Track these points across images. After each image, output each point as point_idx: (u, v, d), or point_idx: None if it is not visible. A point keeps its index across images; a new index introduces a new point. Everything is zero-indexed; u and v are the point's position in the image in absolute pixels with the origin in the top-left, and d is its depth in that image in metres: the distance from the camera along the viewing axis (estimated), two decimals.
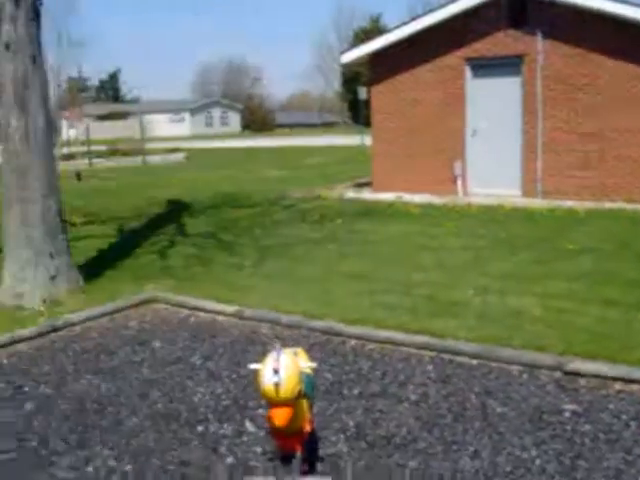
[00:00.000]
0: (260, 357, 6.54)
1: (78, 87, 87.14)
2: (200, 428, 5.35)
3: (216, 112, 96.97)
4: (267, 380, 3.96)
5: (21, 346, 7.36)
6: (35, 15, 8.99)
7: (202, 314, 8.22)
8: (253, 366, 4.20)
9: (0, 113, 8.92)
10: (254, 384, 5.10)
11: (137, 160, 34.68)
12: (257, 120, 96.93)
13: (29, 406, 5.91)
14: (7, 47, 8.67)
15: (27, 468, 4.87)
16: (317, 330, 7.41)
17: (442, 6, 17.26)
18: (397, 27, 18.08)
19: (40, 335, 7.59)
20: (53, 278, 8.92)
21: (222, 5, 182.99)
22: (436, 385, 6.01)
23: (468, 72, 17.05)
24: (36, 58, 8.91)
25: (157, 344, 7.31)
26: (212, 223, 14.38)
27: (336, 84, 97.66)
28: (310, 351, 6.04)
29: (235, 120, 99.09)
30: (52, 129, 9.34)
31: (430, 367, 6.42)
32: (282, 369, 3.96)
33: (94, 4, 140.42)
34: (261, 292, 8.94)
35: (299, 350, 4.63)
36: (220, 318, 8.05)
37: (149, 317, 8.26)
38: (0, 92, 8.85)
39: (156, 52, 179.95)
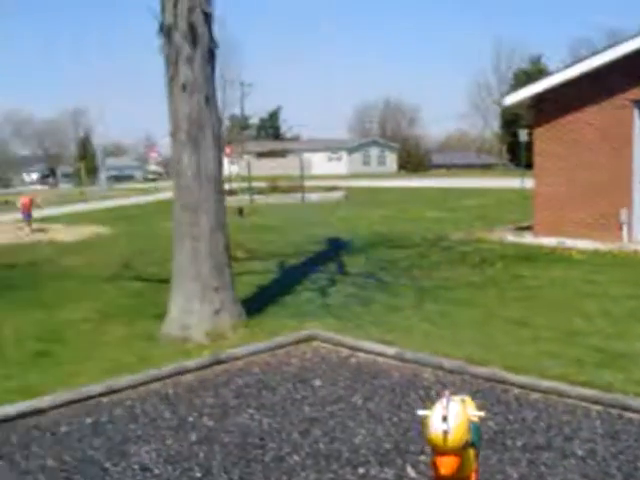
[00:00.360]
0: (422, 401, 6.53)
1: (240, 125, 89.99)
2: (361, 470, 5.32)
3: (373, 151, 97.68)
4: (435, 427, 3.88)
5: (186, 377, 7.56)
6: (210, 57, 9.33)
7: (362, 354, 8.20)
8: (421, 412, 4.13)
9: (174, 150, 9.29)
10: (418, 429, 5.04)
11: (296, 197, 35.28)
12: (413, 160, 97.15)
13: (193, 437, 6.04)
14: (184, 88, 9.03)
15: None
16: (480, 377, 7.25)
17: (609, 47, 16.77)
18: (560, 69, 17.72)
19: (204, 367, 7.78)
20: (218, 312, 9.15)
21: (382, 44, 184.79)
22: (604, 441, 5.74)
23: (636, 115, 16.45)
24: (209, 99, 9.23)
25: (318, 382, 7.33)
26: (371, 262, 14.41)
27: (495, 124, 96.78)
28: (473, 398, 5.90)
29: (392, 159, 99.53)
30: (222, 167, 9.62)
31: (597, 422, 6.15)
32: (451, 417, 3.88)
33: (257, 47, 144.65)
34: (421, 334, 8.85)
35: (466, 398, 4.53)
36: (380, 359, 8.00)
37: (310, 355, 8.31)
38: (174, 130, 9.22)
39: (315, 91, 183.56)
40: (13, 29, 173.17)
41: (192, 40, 9.04)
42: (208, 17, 9.23)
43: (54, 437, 6.15)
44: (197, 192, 9.12)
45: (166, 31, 9.14)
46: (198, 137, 9.09)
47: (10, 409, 6.60)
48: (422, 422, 4.10)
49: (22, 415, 6.55)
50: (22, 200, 24.93)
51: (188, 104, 9.05)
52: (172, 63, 9.15)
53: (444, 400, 3.97)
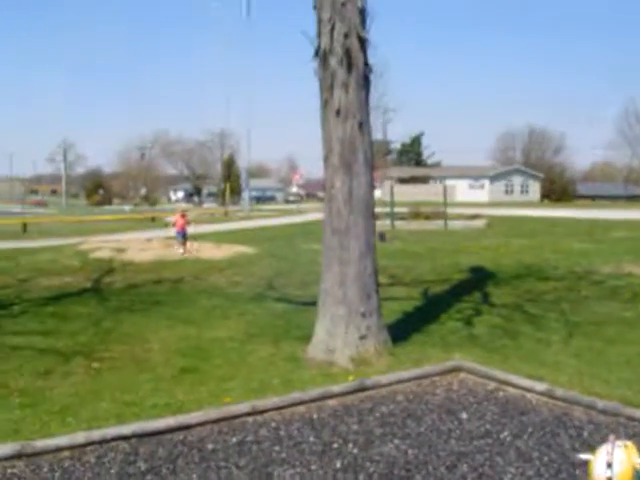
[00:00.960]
0: (574, 442, 6.25)
1: (383, 150, 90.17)
2: None
3: (516, 180, 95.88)
4: (599, 474, 3.67)
5: (331, 402, 7.51)
6: (365, 82, 9.33)
7: (510, 389, 7.94)
8: (583, 456, 3.93)
9: (326, 174, 9.32)
10: (569, 471, 4.81)
11: (439, 224, 34.96)
12: (557, 190, 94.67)
13: (338, 464, 5.98)
14: (338, 113, 9.06)
15: None
16: (636, 419, 6.89)
17: None
18: None
19: (349, 393, 7.71)
20: (363, 337, 9.09)
21: (525, 71, 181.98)
22: None
23: None
24: (363, 124, 9.22)
25: (464, 415, 7.15)
26: (517, 294, 14.06)
27: None
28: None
29: (534, 189, 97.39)
30: (373, 192, 9.58)
31: None
32: (616, 463, 3.66)
33: (403, 71, 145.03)
34: (571, 371, 8.52)
35: (629, 444, 4.27)
36: (529, 395, 7.73)
37: (456, 386, 8.12)
38: (327, 154, 9.25)
39: (458, 117, 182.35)
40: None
41: (347, 65, 9.07)
42: (363, 42, 9.25)
43: (200, 454, 6.21)
44: (348, 216, 9.11)
45: (322, 56, 9.20)
46: (351, 162, 9.09)
47: (158, 423, 6.72)
48: (586, 467, 3.89)
49: (170, 430, 6.65)
50: (176, 218, 24.97)
51: (342, 129, 9.07)
52: (327, 88, 9.20)
53: (609, 445, 3.75)
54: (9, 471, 5.82)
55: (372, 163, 9.49)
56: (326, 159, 9.28)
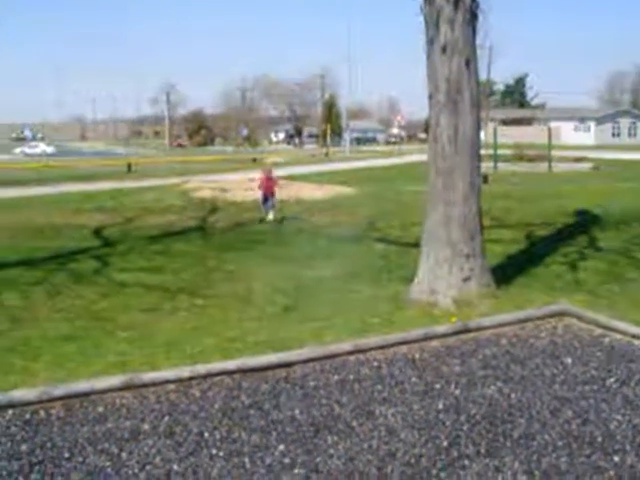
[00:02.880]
0: None
1: (486, 91, 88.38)
2: (616, 458, 5.00)
3: (624, 122, 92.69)
4: None
5: (433, 343, 7.46)
6: (471, 18, 9.07)
7: (617, 335, 7.73)
8: None
9: (431, 113, 9.15)
10: None
11: (543, 167, 34.21)
12: None
13: (440, 405, 5.95)
14: (443, 50, 8.85)
15: (436, 468, 4.88)
16: None
17: None
18: None
19: (452, 334, 7.64)
20: (467, 279, 8.98)
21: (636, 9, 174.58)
22: None
23: None
24: (470, 61, 8.99)
25: (569, 360, 7.00)
26: (624, 239, 13.63)
27: None
28: None
29: None
30: (479, 132, 9.36)
31: None
32: None
33: (508, 8, 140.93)
34: None
35: None
36: (637, 342, 7.52)
37: (560, 331, 7.96)
38: (433, 92, 9.07)
39: (563, 57, 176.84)
40: None
41: (454, 1, 8.82)
42: None
43: (302, 391, 6.26)
44: (453, 156, 8.94)
45: None
46: (456, 100, 8.89)
47: (261, 360, 6.80)
48: None
49: (272, 367, 6.73)
50: (260, 178, 18.51)
51: (447, 66, 8.87)
52: (432, 24, 8.98)
53: None
54: (118, 402, 5.99)
55: (478, 102, 9.25)
56: (431, 98, 9.10)
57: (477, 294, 8.95)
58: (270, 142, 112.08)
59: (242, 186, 24.35)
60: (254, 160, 49.80)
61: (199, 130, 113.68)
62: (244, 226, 16.33)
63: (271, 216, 17.27)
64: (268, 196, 17.54)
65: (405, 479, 4.75)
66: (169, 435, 5.39)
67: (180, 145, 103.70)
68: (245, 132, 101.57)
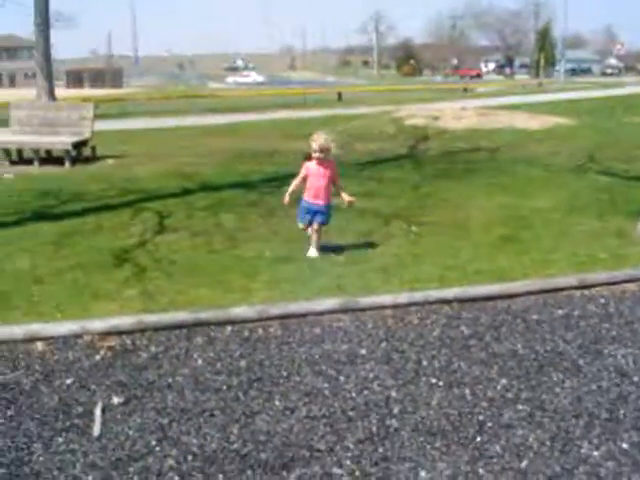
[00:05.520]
0: None
1: None
2: None
3: None
4: None
5: None
6: None
7: None
8: None
9: None
10: None
11: None
12: None
13: None
14: None
15: None
16: None
17: None
18: None
19: None
20: None
21: None
22: None
23: None
24: None
25: None
26: None
27: None
28: None
29: None
30: None
31: None
32: None
33: None
34: None
35: None
36: None
37: None
38: None
39: None
40: None
41: None
42: None
43: (524, 324, 5.95)
44: None
45: None
46: None
47: (481, 290, 6.54)
48: None
49: (493, 297, 6.45)
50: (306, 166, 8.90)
51: None
52: None
53: None
54: (335, 324, 5.92)
55: None
56: None
57: None
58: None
59: (453, 114, 23.81)
60: (465, 90, 48.85)
61: (407, 60, 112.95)
62: (457, 155, 15.91)
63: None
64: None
65: None
66: (387, 361, 5.25)
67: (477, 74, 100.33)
68: (454, 62, 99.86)
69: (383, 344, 5.55)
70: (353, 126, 22.55)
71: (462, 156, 15.67)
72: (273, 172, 13.55)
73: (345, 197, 7.98)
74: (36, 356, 5.42)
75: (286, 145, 17.98)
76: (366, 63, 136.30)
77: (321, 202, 7.82)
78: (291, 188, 7.95)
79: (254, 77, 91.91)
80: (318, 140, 7.71)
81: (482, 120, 22.61)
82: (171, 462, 4.02)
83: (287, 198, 7.94)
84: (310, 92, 53.82)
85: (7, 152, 15.84)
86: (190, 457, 4.07)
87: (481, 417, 4.47)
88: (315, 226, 7.84)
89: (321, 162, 7.84)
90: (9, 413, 4.58)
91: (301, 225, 8.05)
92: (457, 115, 23.54)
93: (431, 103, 33.36)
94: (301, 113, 29.19)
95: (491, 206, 10.29)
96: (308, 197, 7.87)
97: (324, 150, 7.72)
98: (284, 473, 3.92)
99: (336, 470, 3.95)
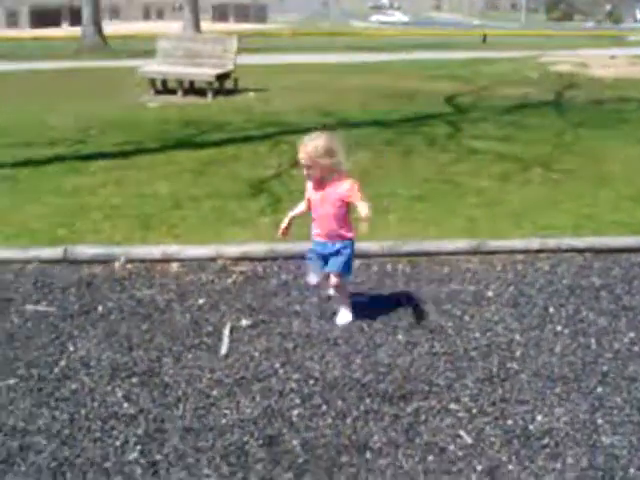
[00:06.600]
0: None
1: None
2: None
3: None
4: None
5: None
6: None
7: None
8: None
9: None
10: None
11: None
12: None
13: None
14: None
15: None
16: None
17: None
18: None
19: None
20: None
21: None
22: None
23: None
24: None
25: None
26: None
27: None
28: None
29: None
30: None
31: None
32: None
33: None
34: None
35: None
36: None
37: None
38: None
39: None
40: None
41: None
42: None
43: None
44: None
45: None
46: None
47: (616, 241, 6.37)
48: None
49: (627, 249, 6.28)
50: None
51: None
52: None
53: None
54: (463, 266, 5.92)
55: None
56: None
57: None
58: (635, 20, 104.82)
59: (602, 62, 22.93)
60: (616, 37, 46.89)
61: (557, 4, 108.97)
62: (604, 104, 15.31)
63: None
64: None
65: None
66: (513, 305, 5.22)
67: None
68: (608, 7, 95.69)
69: (511, 288, 5.51)
70: (496, 70, 22.05)
71: (610, 105, 15.06)
72: (411, 112, 13.45)
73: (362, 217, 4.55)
74: (171, 276, 5.66)
75: (426, 85, 17.80)
76: (514, 6, 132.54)
77: (331, 241, 4.79)
78: (288, 217, 4.98)
79: (398, 16, 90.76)
80: (303, 151, 4.56)
81: (633, 70, 21.68)
82: (293, 385, 4.15)
83: (282, 229, 4.96)
84: (454, 34, 52.85)
85: (153, 82, 16.26)
86: (312, 381, 4.18)
87: (605, 368, 4.39)
88: (332, 280, 4.91)
89: (320, 183, 4.71)
90: (144, 327, 4.83)
91: (313, 278, 5.06)
92: (606, 63, 22.67)
93: (579, 49, 32.17)
94: (442, 54, 28.72)
95: (636, 157, 9.91)
96: (314, 233, 4.89)
97: (314, 167, 4.59)
98: (402, 404, 3.98)
99: (453, 406, 3.98)
